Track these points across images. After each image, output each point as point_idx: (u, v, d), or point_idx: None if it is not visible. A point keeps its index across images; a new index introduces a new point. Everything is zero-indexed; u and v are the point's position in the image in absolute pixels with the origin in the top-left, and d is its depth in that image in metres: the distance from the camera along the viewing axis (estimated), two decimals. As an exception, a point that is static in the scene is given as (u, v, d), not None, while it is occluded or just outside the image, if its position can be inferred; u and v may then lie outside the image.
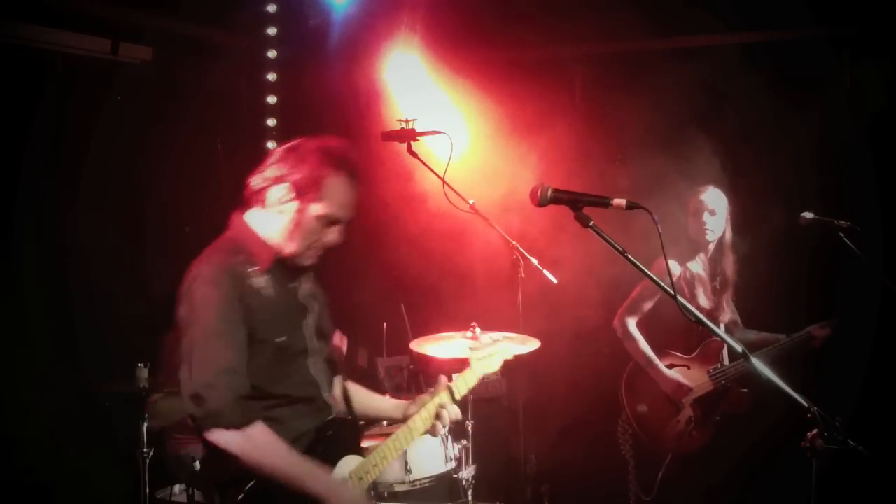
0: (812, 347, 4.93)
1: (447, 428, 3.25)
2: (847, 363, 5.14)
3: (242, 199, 2.96)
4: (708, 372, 5.00)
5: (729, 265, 5.08)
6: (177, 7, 5.56)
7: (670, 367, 5.04)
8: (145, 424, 4.18)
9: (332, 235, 2.96)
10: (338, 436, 3.02)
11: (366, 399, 3.37)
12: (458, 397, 3.32)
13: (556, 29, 5.83)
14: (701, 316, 2.86)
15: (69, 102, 5.24)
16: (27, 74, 5.13)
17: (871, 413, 4.67)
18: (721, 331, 2.86)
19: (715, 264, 5.09)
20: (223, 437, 2.73)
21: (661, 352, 5.07)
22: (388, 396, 3.62)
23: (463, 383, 3.41)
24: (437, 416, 3.21)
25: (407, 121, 4.80)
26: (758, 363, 2.67)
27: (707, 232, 5.00)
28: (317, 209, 2.89)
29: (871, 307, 4.75)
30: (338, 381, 3.24)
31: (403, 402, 3.35)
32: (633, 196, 2.73)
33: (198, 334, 2.74)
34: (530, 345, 4.75)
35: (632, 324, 5.09)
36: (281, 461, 2.79)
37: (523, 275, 5.05)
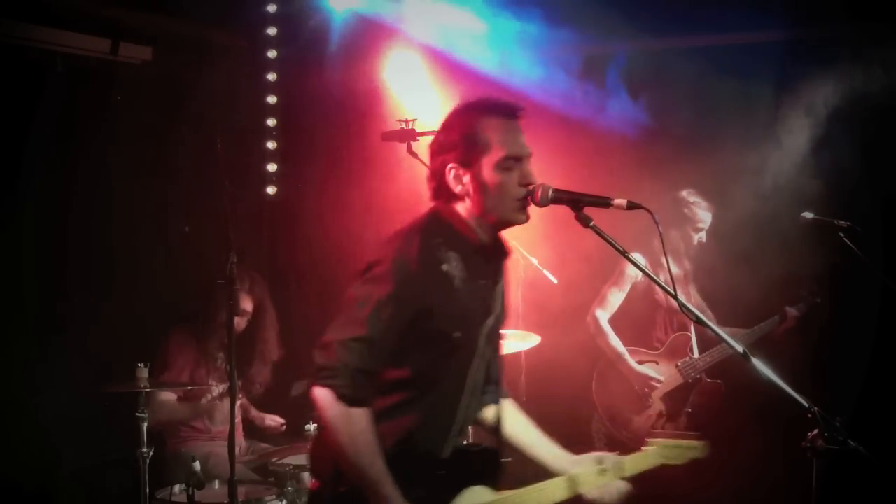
0: (784, 330, 5.10)
1: None
2: (847, 363, 5.14)
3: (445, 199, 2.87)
4: (676, 366, 5.13)
5: (690, 257, 5.20)
6: (177, 7, 5.54)
7: (640, 362, 5.14)
8: (145, 424, 4.18)
9: (523, 176, 2.76)
10: (471, 458, 2.84)
11: (526, 431, 3.09)
12: (626, 475, 3.08)
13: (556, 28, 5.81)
14: (701, 315, 2.86)
15: (69, 102, 5.23)
16: (27, 74, 5.13)
17: (871, 413, 4.67)
18: (720, 330, 2.85)
19: (684, 260, 5.20)
20: (326, 400, 2.60)
21: (629, 348, 5.17)
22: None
23: (636, 463, 3.14)
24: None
25: (407, 121, 4.81)
26: (758, 364, 2.66)
27: (701, 231, 5.14)
28: (489, 162, 2.75)
29: (871, 307, 4.75)
30: (492, 400, 3.01)
31: (567, 454, 3.08)
32: (633, 196, 2.72)
33: (367, 294, 2.66)
34: (530, 341, 4.78)
35: (603, 318, 5.20)
36: (365, 458, 2.61)
37: (523, 274, 5.07)
